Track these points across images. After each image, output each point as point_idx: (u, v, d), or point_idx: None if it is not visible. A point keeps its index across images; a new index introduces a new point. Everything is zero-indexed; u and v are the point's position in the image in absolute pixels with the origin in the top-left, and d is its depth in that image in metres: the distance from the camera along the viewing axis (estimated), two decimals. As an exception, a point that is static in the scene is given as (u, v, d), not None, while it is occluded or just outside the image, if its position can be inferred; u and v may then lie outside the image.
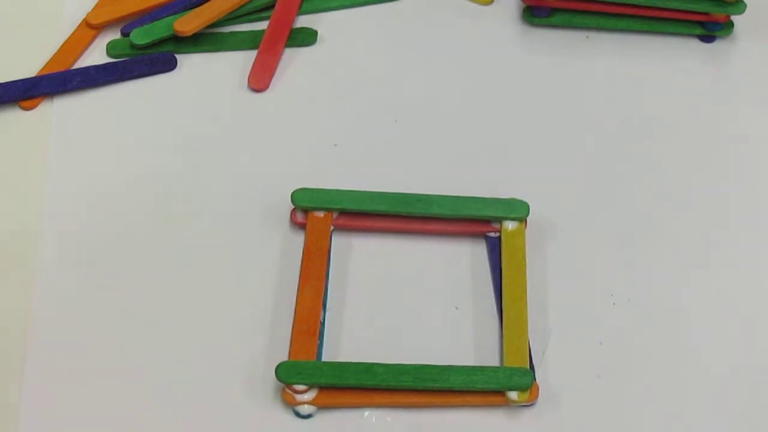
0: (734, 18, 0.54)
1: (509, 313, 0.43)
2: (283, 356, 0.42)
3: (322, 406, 0.41)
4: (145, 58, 0.53)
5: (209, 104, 0.52)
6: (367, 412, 0.42)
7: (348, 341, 0.43)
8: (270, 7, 0.55)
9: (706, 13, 0.53)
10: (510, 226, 0.46)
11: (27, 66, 0.52)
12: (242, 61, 0.53)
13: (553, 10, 0.54)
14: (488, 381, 0.41)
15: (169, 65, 0.53)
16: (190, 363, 0.43)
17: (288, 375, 0.41)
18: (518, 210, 0.46)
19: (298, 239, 0.46)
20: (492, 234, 0.46)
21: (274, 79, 0.52)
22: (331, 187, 0.46)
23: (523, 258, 0.45)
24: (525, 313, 0.43)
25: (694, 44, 0.54)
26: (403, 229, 0.46)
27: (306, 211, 0.46)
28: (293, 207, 0.46)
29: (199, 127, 0.51)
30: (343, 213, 0.46)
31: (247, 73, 0.52)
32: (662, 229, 0.47)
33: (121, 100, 0.52)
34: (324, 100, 0.52)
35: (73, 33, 0.54)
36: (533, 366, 0.42)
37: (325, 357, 0.43)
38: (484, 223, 0.46)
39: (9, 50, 0.53)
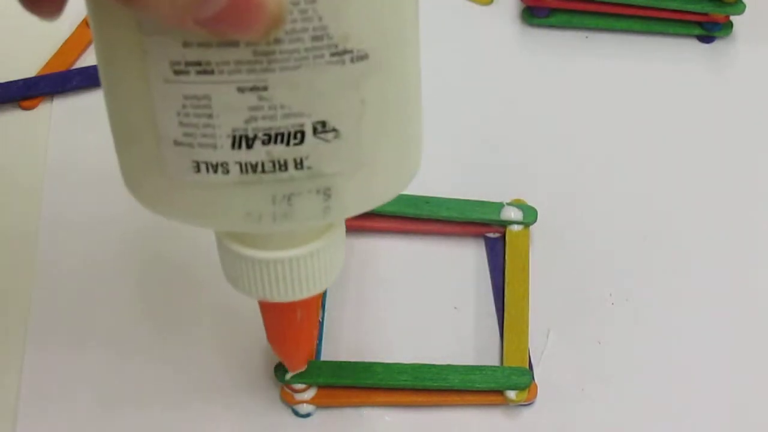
0: (733, 18, 0.54)
1: (511, 313, 0.43)
2: (282, 355, 0.42)
3: (320, 405, 0.41)
4: (144, 58, 0.53)
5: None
6: (365, 411, 0.42)
7: (347, 341, 0.43)
8: (270, 7, 0.55)
9: (705, 14, 0.53)
10: (515, 227, 0.46)
11: (27, 66, 0.52)
12: (242, 61, 0.53)
13: (552, 11, 0.54)
14: (487, 380, 0.41)
15: (169, 65, 0.53)
16: (188, 362, 0.43)
17: (287, 374, 0.41)
18: (527, 215, 0.46)
19: (297, 239, 0.46)
20: (491, 234, 0.46)
21: (273, 79, 0.52)
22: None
23: (527, 258, 0.45)
24: (527, 313, 0.43)
25: (693, 44, 0.54)
26: (402, 229, 0.46)
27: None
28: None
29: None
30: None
31: (247, 73, 0.52)
32: (661, 228, 0.47)
33: (121, 100, 0.52)
34: (323, 100, 0.52)
35: (72, 33, 0.54)
36: (532, 365, 0.42)
37: (324, 356, 0.43)
38: (484, 224, 0.46)
39: (9, 50, 0.53)
